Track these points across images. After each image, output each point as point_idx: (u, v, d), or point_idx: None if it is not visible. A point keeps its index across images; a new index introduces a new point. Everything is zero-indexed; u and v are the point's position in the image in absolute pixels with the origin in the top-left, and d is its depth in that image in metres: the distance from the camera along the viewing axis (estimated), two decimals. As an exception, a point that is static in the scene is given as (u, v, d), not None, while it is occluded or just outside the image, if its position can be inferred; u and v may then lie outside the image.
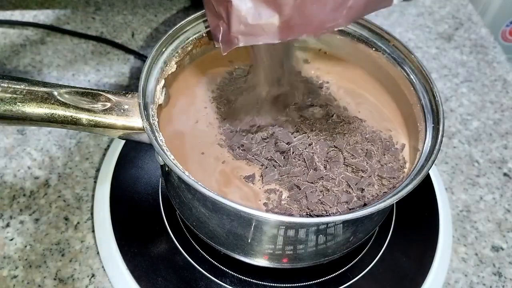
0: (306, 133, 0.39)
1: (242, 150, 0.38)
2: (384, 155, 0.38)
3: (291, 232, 0.33)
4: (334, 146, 0.38)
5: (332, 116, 0.41)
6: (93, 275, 0.43)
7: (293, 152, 0.37)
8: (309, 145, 0.38)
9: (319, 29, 0.30)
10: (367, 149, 0.38)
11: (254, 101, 0.41)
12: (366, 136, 0.40)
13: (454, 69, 0.67)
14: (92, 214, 0.46)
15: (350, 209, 0.34)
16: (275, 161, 0.37)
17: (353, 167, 0.37)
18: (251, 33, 0.32)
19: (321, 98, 0.43)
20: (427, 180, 0.49)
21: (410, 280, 0.42)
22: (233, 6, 0.31)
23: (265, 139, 0.39)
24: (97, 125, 0.33)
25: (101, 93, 0.34)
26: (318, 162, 0.37)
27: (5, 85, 0.31)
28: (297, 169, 0.36)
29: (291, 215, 0.34)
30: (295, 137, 0.38)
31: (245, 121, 0.40)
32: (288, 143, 0.38)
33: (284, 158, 0.37)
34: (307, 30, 0.30)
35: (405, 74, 0.41)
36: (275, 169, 0.37)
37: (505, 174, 0.54)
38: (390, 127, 0.42)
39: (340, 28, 0.32)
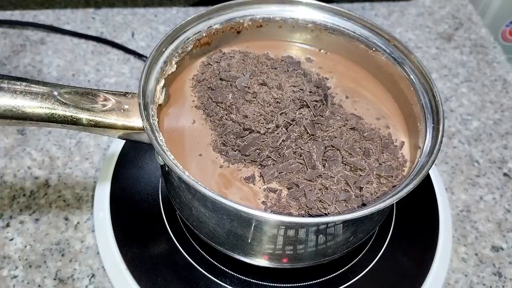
0: (302, 130, 0.39)
1: (237, 151, 0.38)
2: (383, 153, 0.38)
3: (291, 232, 0.33)
4: (331, 145, 0.38)
5: (326, 111, 0.41)
6: (93, 275, 0.43)
7: (287, 149, 0.37)
8: (306, 143, 0.38)
9: None
10: (365, 147, 0.38)
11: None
12: (365, 134, 0.40)
13: (454, 69, 0.67)
14: (92, 214, 0.46)
15: (348, 207, 0.34)
16: (273, 159, 0.37)
17: (351, 165, 0.37)
18: None
19: (319, 95, 0.43)
20: (427, 180, 0.49)
21: (410, 280, 0.42)
22: None
23: (259, 139, 0.38)
24: (97, 125, 0.33)
25: (101, 93, 0.34)
26: (317, 161, 0.37)
27: (5, 85, 0.31)
28: (295, 166, 0.36)
29: (290, 214, 0.34)
30: (291, 136, 0.38)
31: (235, 121, 0.40)
32: (283, 141, 0.38)
33: (280, 155, 0.37)
34: None
35: (405, 74, 0.41)
36: (274, 167, 0.37)
37: (505, 174, 0.54)
38: (390, 124, 0.42)
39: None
